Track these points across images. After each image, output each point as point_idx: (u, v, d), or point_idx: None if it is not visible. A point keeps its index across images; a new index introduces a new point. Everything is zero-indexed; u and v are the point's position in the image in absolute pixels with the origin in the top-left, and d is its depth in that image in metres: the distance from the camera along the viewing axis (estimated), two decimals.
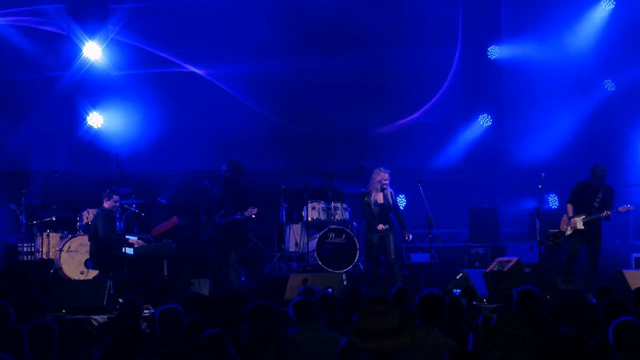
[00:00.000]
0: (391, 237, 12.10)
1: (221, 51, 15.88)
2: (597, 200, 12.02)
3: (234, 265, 11.91)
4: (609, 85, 16.12)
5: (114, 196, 11.97)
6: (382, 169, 12.21)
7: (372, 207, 12.08)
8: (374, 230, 12.08)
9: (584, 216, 11.98)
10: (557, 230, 12.32)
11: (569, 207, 12.21)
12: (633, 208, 12.33)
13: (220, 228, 11.90)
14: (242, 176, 12.08)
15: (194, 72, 16.00)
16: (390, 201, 12.13)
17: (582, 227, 11.98)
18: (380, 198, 12.11)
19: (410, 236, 12.24)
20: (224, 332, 6.22)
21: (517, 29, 16.24)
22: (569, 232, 12.10)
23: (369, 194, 12.17)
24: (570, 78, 16.16)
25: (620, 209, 12.02)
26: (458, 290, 10.67)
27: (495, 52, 16.42)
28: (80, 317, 10.01)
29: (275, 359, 6.21)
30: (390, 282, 11.78)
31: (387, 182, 12.12)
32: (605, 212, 11.88)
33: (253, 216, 12.10)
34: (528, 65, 16.11)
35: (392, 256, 12.07)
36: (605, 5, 15.97)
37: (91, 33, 15.37)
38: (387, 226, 12.10)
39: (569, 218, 12.10)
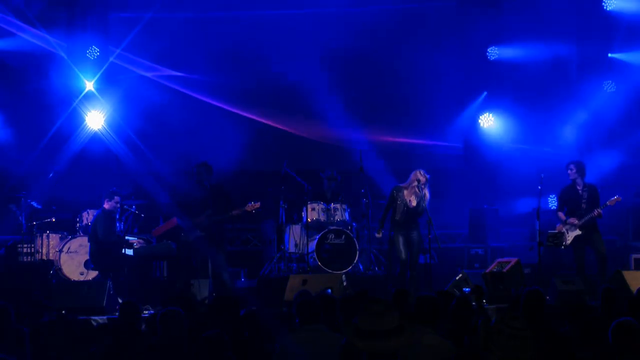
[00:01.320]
0: (415, 236, 12.06)
1: (222, 53, 15.88)
2: (584, 200, 12.12)
3: (224, 266, 11.89)
4: (609, 86, 16.11)
5: (115, 197, 11.97)
6: (422, 171, 12.00)
7: (403, 206, 11.99)
8: (398, 228, 11.99)
9: (576, 221, 12.08)
10: (557, 231, 12.35)
11: (560, 215, 12.34)
12: (622, 199, 12.37)
13: (207, 228, 11.89)
14: (212, 175, 12.07)
15: (193, 74, 16.00)
16: (422, 205, 11.95)
17: (580, 232, 12.10)
18: (413, 200, 12.02)
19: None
20: (224, 333, 6.23)
21: (516, 30, 16.22)
22: (569, 241, 12.16)
23: (401, 190, 12.04)
24: (571, 78, 16.15)
25: (608, 202, 12.10)
26: (467, 289, 10.69)
27: (494, 53, 16.41)
28: (80, 317, 10.00)
29: (283, 357, 6.24)
30: (405, 283, 11.73)
31: (424, 185, 11.97)
32: (596, 211, 11.98)
33: (253, 211, 12.11)
34: (528, 65, 16.10)
35: (414, 257, 12.01)
36: (607, 7, 15.96)
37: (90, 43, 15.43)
38: (380, 235, 12.15)
39: (564, 224, 12.18)
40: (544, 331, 6.39)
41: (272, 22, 15.94)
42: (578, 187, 12.27)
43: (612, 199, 12.14)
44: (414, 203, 11.96)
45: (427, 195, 11.97)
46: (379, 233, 12.24)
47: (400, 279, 11.84)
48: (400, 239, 11.93)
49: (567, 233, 12.21)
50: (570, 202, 12.28)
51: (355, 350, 4.15)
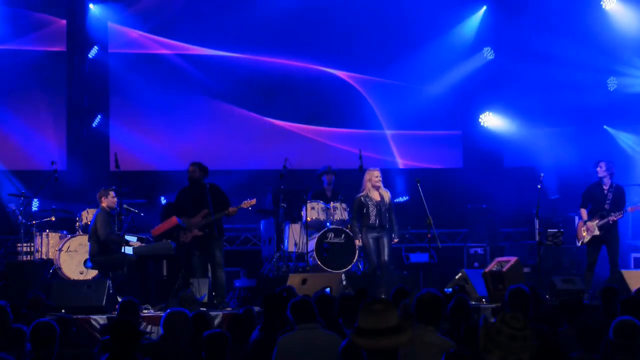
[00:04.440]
0: (385, 239, 12.11)
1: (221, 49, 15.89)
2: (608, 201, 12.03)
3: (221, 264, 11.89)
4: (611, 84, 16.09)
5: (111, 192, 11.93)
6: (371, 168, 12.35)
7: (370, 206, 12.10)
8: (369, 230, 12.13)
9: (597, 221, 11.98)
10: (556, 230, 12.35)
11: (583, 212, 12.23)
12: None
13: (204, 227, 11.88)
14: (207, 175, 12.08)
15: (194, 72, 15.97)
16: (387, 201, 12.14)
17: (599, 233, 11.98)
18: (376, 196, 12.15)
19: (396, 240, 12.29)
20: (225, 332, 6.23)
21: (515, 29, 16.21)
22: (586, 239, 12.09)
23: (365, 195, 12.23)
24: (572, 76, 16.13)
25: (628, 209, 12.05)
26: (450, 289, 10.67)
27: (491, 53, 16.40)
28: (79, 317, 10.01)
29: (280, 357, 6.23)
30: (380, 284, 11.79)
31: (379, 179, 12.15)
32: (616, 216, 11.89)
33: (249, 208, 12.16)
34: (527, 64, 16.08)
35: (385, 258, 12.09)
36: (606, 5, 15.94)
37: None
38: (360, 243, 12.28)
39: (585, 222, 12.11)
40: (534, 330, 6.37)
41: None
42: (604, 187, 12.16)
43: (632, 206, 12.07)
44: (377, 199, 12.13)
45: (387, 192, 12.20)
46: (358, 241, 12.37)
47: (369, 279, 11.99)
48: (371, 241, 12.05)
49: (586, 232, 12.13)
50: (594, 201, 12.18)
51: (356, 350, 4.16)
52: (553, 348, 5.60)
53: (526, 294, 6.91)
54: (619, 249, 12.14)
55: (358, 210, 12.25)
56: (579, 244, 12.29)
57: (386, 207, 12.16)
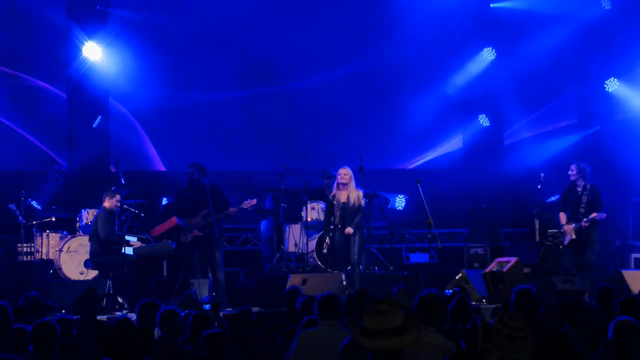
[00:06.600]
0: (357, 237, 12.07)
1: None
2: (582, 204, 11.90)
3: (220, 265, 11.89)
4: (611, 84, 16.07)
5: (117, 195, 11.98)
6: (343, 167, 12.20)
7: (335, 207, 12.09)
8: (339, 230, 12.09)
9: (573, 225, 11.90)
10: (557, 230, 12.33)
11: (562, 216, 12.11)
12: (605, 216, 11.95)
13: (204, 228, 11.88)
14: (205, 175, 12.09)
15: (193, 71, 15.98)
16: (353, 201, 12.06)
17: (575, 237, 11.90)
18: (342, 197, 12.11)
19: (349, 229, 12.01)
20: (223, 332, 6.24)
21: (514, 29, 16.21)
22: (566, 242, 12.02)
23: (333, 194, 12.21)
24: (570, 77, 16.13)
25: (593, 215, 11.77)
26: (449, 291, 10.66)
27: (491, 54, 16.38)
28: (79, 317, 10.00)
29: (298, 353, 6.24)
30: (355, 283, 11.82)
31: (345, 176, 12.07)
32: (584, 222, 11.74)
33: (249, 208, 12.16)
34: (527, 64, 16.08)
35: (355, 257, 12.06)
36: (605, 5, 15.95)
37: (90, 33, 15.36)
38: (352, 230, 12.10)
39: (561, 226, 12.05)
40: (541, 331, 6.38)
41: None
42: (578, 189, 12.05)
43: (595, 215, 11.77)
44: (343, 199, 12.07)
45: (359, 191, 12.09)
46: (326, 242, 12.34)
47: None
48: (342, 241, 12.05)
49: (565, 235, 12.08)
50: (571, 204, 12.10)
51: (357, 349, 4.15)
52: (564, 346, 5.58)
53: (534, 294, 6.90)
54: (593, 253, 11.87)
55: (328, 210, 12.27)
56: (560, 247, 12.21)
57: (352, 208, 12.07)
